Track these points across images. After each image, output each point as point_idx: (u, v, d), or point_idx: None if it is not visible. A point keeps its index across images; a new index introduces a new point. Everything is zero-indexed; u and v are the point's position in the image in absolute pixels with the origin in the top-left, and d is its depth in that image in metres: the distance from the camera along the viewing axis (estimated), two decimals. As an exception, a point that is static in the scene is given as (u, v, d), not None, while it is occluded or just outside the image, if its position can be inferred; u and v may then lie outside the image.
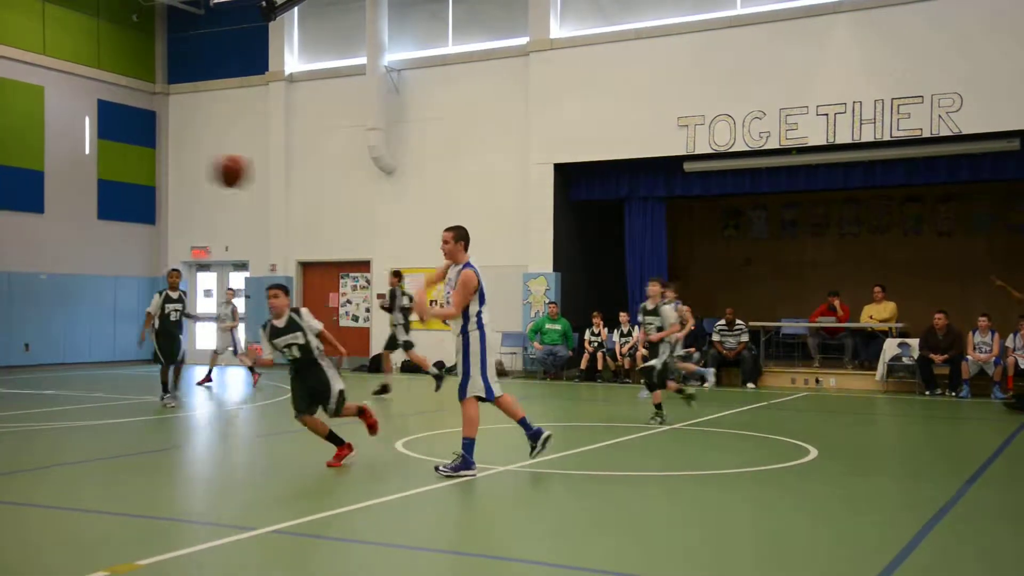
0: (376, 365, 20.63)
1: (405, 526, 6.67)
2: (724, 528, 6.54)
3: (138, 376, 19.68)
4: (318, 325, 8.58)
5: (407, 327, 14.85)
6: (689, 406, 12.31)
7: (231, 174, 8.86)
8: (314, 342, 8.52)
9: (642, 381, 12.42)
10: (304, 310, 8.61)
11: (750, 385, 17.14)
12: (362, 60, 21.58)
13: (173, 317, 13.78)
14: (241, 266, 23.75)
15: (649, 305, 11.80)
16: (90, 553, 5.80)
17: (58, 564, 5.59)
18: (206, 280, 24.55)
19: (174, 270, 14.45)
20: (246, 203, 23.22)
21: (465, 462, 8.04)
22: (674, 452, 10.05)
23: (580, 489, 7.95)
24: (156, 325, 13.71)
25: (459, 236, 8.18)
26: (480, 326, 8.04)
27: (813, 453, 9.48)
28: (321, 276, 22.79)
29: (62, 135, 22.01)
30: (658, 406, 11.67)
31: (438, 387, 14.11)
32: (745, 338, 17.81)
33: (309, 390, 8.54)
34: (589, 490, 7.89)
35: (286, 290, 8.69)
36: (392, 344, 14.93)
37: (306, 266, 22.89)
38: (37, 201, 21.42)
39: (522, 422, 8.37)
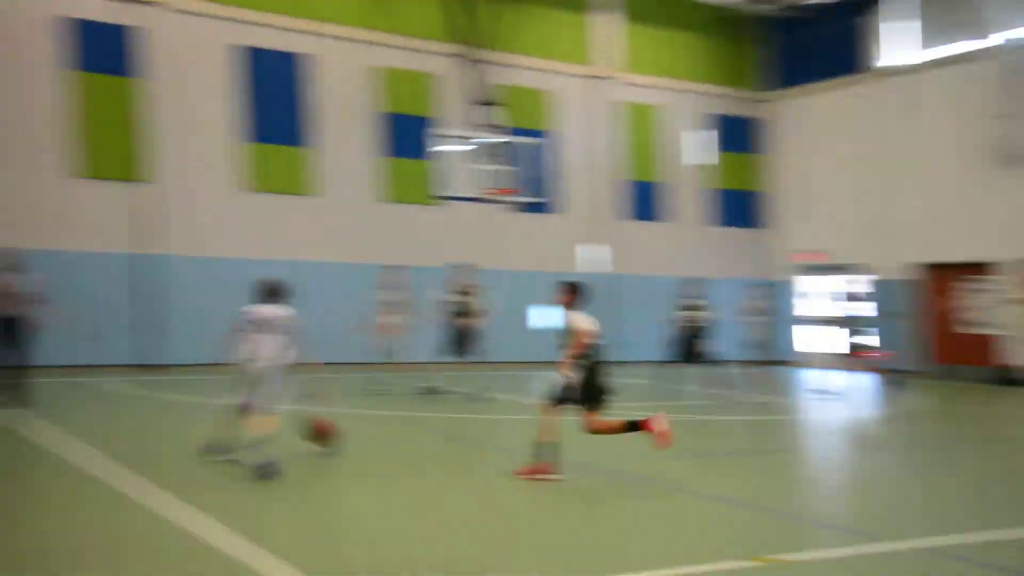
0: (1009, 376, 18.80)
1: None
2: None
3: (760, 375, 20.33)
4: (580, 326, 7.95)
5: None
6: None
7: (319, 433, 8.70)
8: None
9: None
10: (571, 314, 8.08)
11: None
12: (979, 43, 19.70)
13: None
14: (855, 268, 23.09)
15: None
16: (734, 541, 6.04)
17: (706, 547, 5.91)
18: (814, 283, 24.32)
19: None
20: (858, 204, 22.66)
21: None
22: None
23: None
24: None
25: None
26: None
27: None
28: (941, 279, 21.21)
29: (680, 149, 23.82)
30: None
31: None
32: None
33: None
34: None
35: (572, 287, 8.25)
36: None
37: (924, 268, 21.48)
38: (657, 212, 23.46)
39: None
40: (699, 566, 5.35)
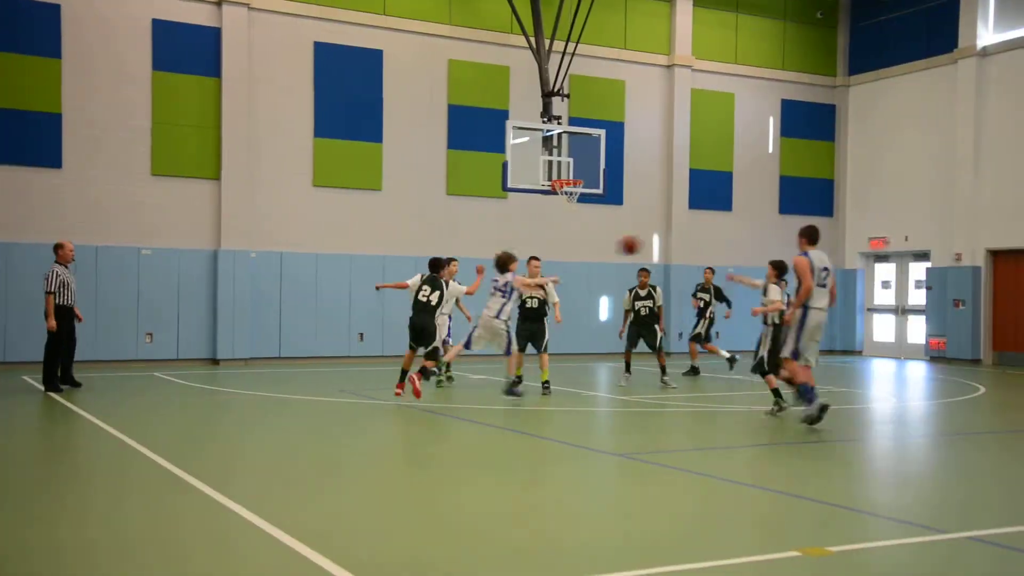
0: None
1: None
2: None
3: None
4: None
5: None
6: None
7: (629, 247, 10.98)
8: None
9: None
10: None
11: None
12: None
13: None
14: (922, 256, 22.80)
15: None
16: (780, 532, 6.12)
17: (752, 538, 6.01)
18: (884, 271, 24.09)
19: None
20: (929, 191, 22.29)
21: (808, 400, 9.99)
22: None
23: None
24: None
25: (801, 234, 10.28)
26: (805, 307, 9.99)
27: None
28: (1016, 265, 20.73)
29: (749, 137, 23.55)
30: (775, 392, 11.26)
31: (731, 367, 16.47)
32: None
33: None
34: None
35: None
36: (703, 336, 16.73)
37: (996, 254, 21.06)
38: (726, 201, 23.26)
39: (802, 387, 10.06)
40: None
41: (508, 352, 12.07)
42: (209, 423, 11.10)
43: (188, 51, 17.85)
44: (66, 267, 12.87)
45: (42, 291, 12.78)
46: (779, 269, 11.52)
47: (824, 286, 10.08)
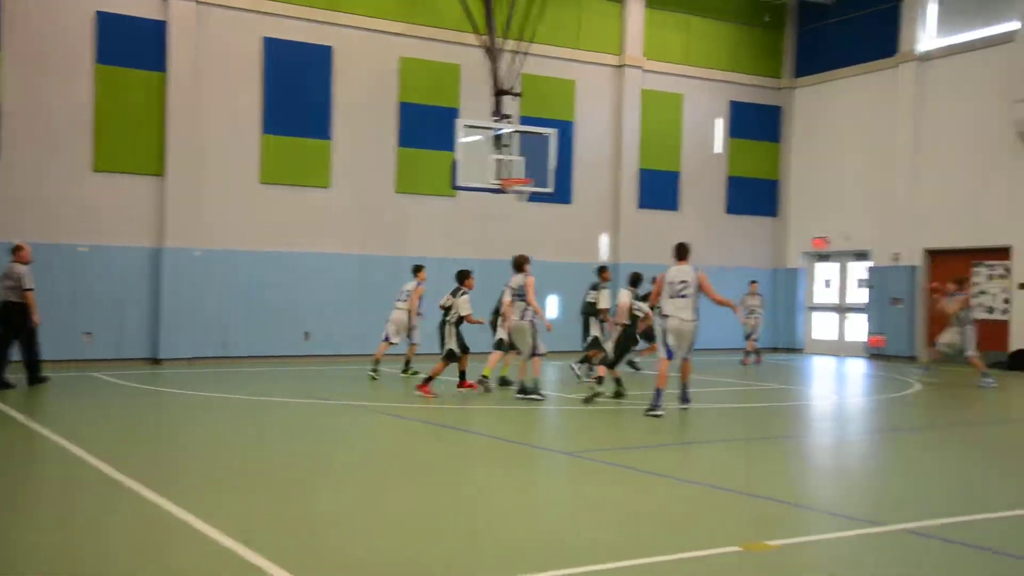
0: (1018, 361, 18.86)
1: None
2: None
3: (776, 363, 20.46)
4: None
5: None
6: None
7: None
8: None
9: None
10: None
11: None
12: (1010, 26, 19.66)
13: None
14: (863, 256, 23.27)
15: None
16: (723, 527, 6.22)
17: (694, 534, 6.10)
18: (826, 271, 24.52)
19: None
20: (870, 191, 22.74)
21: (653, 405, 11.02)
22: None
23: None
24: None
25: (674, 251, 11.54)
26: (659, 314, 11.49)
27: None
28: (951, 264, 21.26)
29: (697, 137, 23.80)
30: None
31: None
32: None
33: None
34: None
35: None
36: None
37: (933, 254, 21.59)
38: (674, 200, 23.50)
39: (683, 386, 11.50)
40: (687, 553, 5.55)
41: (533, 354, 12.44)
42: (148, 424, 10.94)
43: (133, 45, 17.52)
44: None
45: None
46: (633, 282, 13.12)
47: (683, 296, 11.24)
